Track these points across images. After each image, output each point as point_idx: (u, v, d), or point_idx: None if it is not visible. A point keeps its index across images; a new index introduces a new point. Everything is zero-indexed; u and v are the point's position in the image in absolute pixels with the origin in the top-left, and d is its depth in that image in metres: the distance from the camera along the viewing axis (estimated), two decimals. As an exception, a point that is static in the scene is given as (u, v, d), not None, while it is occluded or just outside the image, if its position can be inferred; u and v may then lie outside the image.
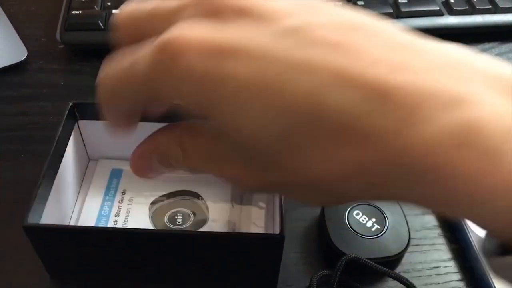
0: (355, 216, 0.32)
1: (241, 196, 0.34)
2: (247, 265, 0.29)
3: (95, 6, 0.47)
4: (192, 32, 0.17)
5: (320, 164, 0.16)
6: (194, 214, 0.33)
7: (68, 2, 0.47)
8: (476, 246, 0.32)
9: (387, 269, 0.30)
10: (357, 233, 0.32)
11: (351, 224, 0.32)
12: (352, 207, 0.33)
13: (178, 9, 0.18)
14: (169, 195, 0.34)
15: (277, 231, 0.27)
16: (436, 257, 0.33)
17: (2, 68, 0.44)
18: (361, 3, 0.48)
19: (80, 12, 0.46)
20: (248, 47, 0.16)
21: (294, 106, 0.15)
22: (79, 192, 0.34)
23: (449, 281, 0.32)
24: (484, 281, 0.31)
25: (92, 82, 0.43)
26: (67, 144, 0.32)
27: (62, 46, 0.46)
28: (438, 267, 0.33)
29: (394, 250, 0.31)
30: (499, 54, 0.48)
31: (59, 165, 0.30)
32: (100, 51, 0.46)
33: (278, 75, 0.16)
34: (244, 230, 0.32)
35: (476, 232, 0.33)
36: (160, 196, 0.34)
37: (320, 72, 0.15)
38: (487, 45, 0.48)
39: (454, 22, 0.48)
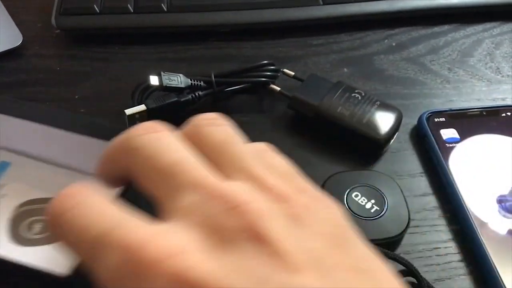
0: (354, 198, 0.32)
1: None
2: None
3: (90, -10, 0.46)
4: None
5: None
6: None
7: (63, -14, 0.46)
8: (477, 226, 0.32)
9: (386, 250, 0.30)
10: (356, 214, 0.31)
11: (350, 205, 0.32)
12: (351, 189, 0.33)
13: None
14: (43, 200, 0.32)
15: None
16: (436, 238, 0.33)
17: (-2, 54, 0.43)
18: (360, -17, 0.47)
19: (75, -4, 0.45)
20: None
21: None
22: None
23: (449, 262, 0.32)
24: (484, 261, 0.30)
25: (88, 67, 0.44)
26: None
27: (57, 31, 0.45)
28: (438, 248, 0.32)
29: (393, 231, 0.31)
30: (500, 34, 0.47)
31: None
32: (96, 36, 0.46)
33: None
34: None
35: (476, 213, 0.32)
36: (33, 199, 0.32)
37: None
38: (488, 25, 0.48)
39: (455, 2, 0.47)
